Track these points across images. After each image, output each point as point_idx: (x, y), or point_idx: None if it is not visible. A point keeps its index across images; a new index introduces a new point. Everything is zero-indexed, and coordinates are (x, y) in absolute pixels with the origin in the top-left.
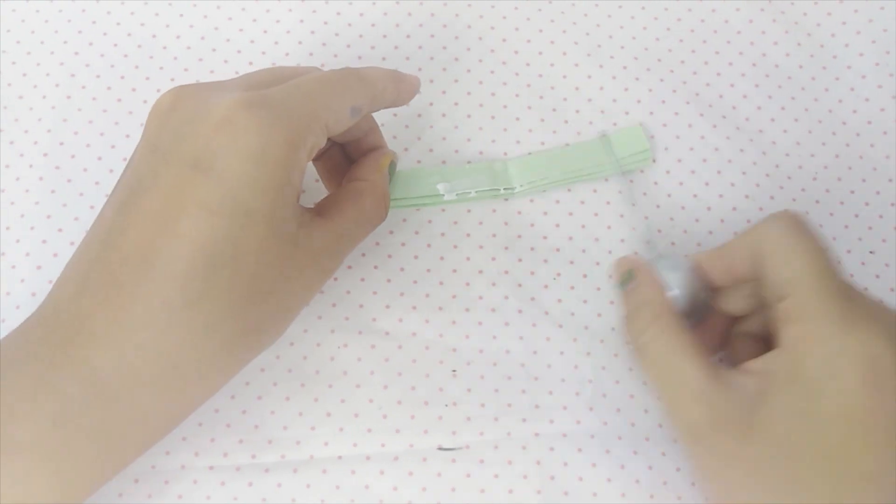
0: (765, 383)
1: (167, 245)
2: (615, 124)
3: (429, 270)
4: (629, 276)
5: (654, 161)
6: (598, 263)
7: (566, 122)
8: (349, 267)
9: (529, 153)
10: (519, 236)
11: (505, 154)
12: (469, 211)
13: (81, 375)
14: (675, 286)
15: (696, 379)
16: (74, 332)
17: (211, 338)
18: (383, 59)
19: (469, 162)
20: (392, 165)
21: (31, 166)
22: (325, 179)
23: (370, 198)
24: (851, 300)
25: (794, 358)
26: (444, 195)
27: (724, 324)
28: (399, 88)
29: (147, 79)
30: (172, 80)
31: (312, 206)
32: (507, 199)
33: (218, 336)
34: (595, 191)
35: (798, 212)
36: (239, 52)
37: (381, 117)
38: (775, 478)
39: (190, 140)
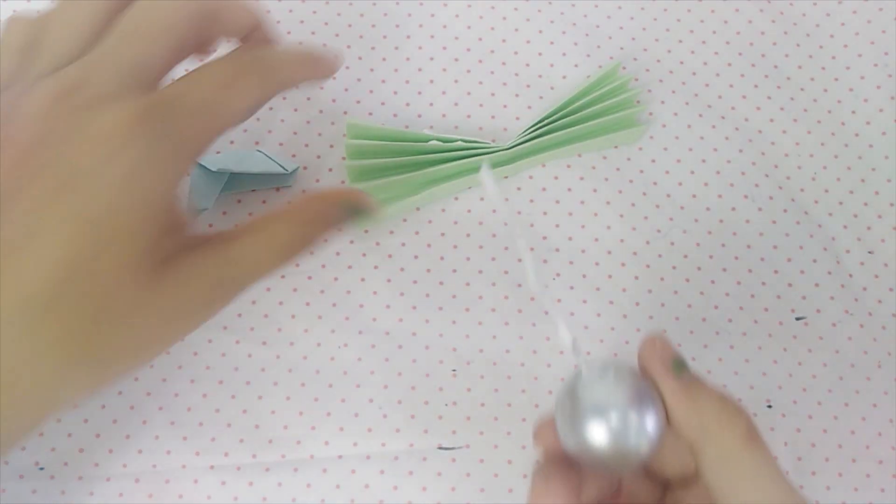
0: None
1: (18, 261)
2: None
3: (429, 270)
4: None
5: (651, 138)
6: (597, 264)
7: None
8: (349, 267)
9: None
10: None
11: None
12: (469, 211)
13: None
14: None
15: None
16: None
17: (47, 361)
18: (383, 59)
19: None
20: (353, 207)
21: None
22: None
23: (287, 224)
24: None
25: None
26: (428, 136)
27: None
28: (313, 71)
29: None
30: (172, 80)
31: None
32: (507, 199)
33: (55, 359)
34: (595, 190)
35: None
36: None
37: (383, 117)
38: None
39: (63, 157)
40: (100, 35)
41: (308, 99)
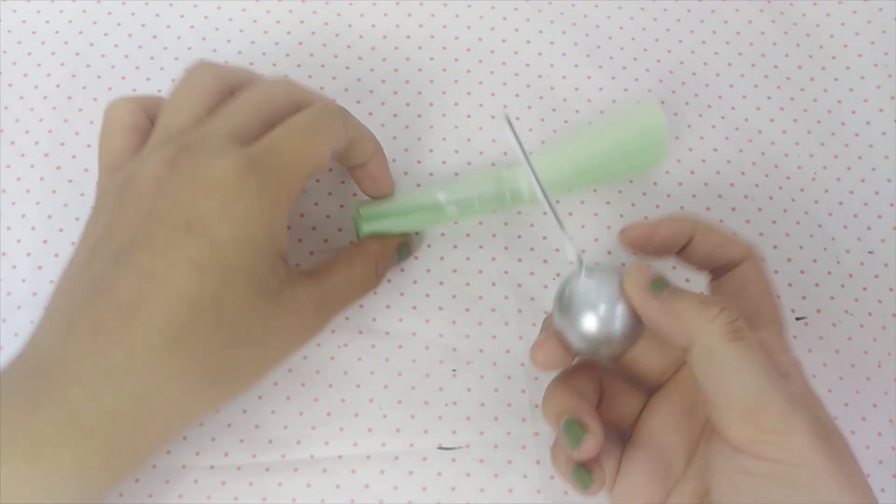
0: None
1: (155, 296)
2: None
3: (429, 270)
4: (661, 284)
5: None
6: (597, 263)
7: (566, 121)
8: None
9: (531, 152)
10: (519, 236)
11: (505, 154)
12: None
13: (59, 414)
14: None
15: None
16: (57, 372)
17: (182, 381)
18: (383, 59)
19: (469, 163)
20: (404, 248)
21: (32, 166)
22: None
23: (361, 261)
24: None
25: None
26: (444, 206)
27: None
28: (375, 162)
29: (148, 80)
30: (173, 80)
31: (309, 269)
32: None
33: (189, 380)
34: (595, 191)
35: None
36: (240, 52)
37: (382, 118)
38: None
39: (184, 204)
40: (209, 114)
41: None
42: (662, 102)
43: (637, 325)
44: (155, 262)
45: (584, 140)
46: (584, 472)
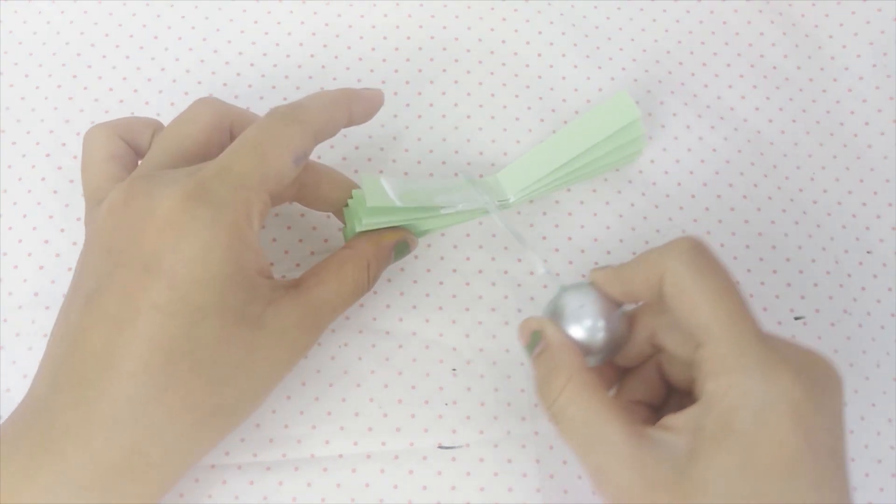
0: (694, 441)
1: (125, 344)
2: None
3: (429, 270)
4: (536, 338)
5: (650, 138)
6: (596, 263)
7: (565, 122)
8: None
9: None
10: None
11: (505, 154)
12: None
13: (57, 469)
14: (588, 322)
15: (623, 443)
16: (50, 427)
17: (172, 427)
18: (383, 60)
19: (469, 164)
20: (402, 247)
21: (33, 167)
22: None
23: (352, 267)
24: (766, 344)
25: (721, 413)
26: (439, 208)
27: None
28: (352, 109)
29: (149, 80)
30: (174, 80)
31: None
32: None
33: (179, 425)
34: (594, 191)
35: (699, 239)
36: (241, 53)
37: (381, 118)
38: None
39: (139, 242)
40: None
41: None
42: (661, 102)
43: (619, 335)
44: (120, 308)
45: (560, 141)
46: None
